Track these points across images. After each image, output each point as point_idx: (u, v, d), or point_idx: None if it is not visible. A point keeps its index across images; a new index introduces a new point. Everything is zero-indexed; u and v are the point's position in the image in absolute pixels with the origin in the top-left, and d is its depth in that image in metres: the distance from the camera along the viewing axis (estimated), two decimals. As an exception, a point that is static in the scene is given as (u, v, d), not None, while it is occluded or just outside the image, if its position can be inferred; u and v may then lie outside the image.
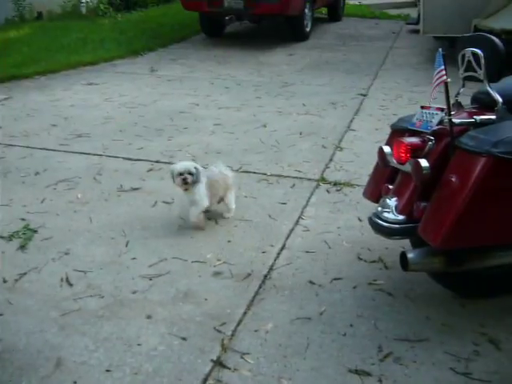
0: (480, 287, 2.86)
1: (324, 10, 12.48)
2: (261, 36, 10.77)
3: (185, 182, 3.46)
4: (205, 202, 3.54)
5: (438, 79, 2.52)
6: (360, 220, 3.65)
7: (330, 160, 4.73)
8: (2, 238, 3.50)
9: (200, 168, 3.56)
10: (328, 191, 4.15)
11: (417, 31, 9.38)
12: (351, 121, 5.77)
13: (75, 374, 2.40)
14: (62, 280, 3.07)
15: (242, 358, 2.50)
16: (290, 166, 4.57)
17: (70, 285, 3.04)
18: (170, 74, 7.75)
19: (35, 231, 3.58)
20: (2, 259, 3.28)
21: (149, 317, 2.77)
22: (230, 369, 2.43)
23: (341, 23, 12.18)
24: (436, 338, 2.62)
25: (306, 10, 9.78)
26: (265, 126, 5.55)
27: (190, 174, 3.46)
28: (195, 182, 3.49)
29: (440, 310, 2.81)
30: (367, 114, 6.00)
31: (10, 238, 3.50)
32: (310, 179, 4.34)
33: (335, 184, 4.24)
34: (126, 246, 3.42)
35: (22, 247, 3.40)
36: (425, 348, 2.56)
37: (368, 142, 5.03)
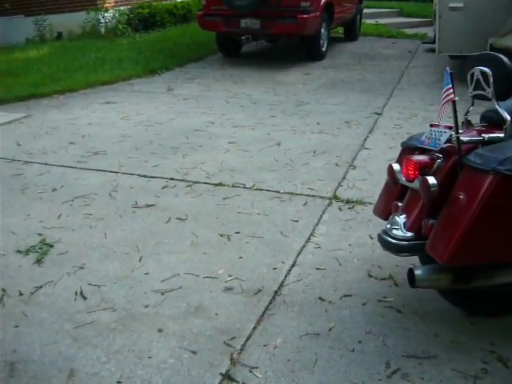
0: (488, 305, 2.86)
1: (340, 30, 12.56)
2: (277, 55, 10.88)
3: None
4: None
5: (445, 97, 2.56)
6: (371, 238, 3.67)
7: (343, 178, 4.76)
8: (19, 252, 3.57)
9: None
10: (340, 209, 4.18)
11: (433, 50, 9.42)
12: (365, 139, 5.80)
13: (87, 386, 2.45)
14: (76, 294, 3.13)
15: (250, 371, 2.53)
16: (303, 184, 4.61)
17: (84, 298, 3.09)
18: (186, 93, 7.86)
19: (51, 246, 3.65)
20: (19, 273, 3.35)
21: (160, 330, 2.81)
22: (238, 382, 2.46)
23: (357, 42, 12.24)
24: (444, 355, 2.63)
25: (322, 30, 9.84)
26: (279, 145, 5.60)
27: None
28: None
29: (449, 328, 2.82)
30: (381, 132, 6.04)
31: (27, 252, 3.57)
32: (322, 197, 4.37)
33: (347, 202, 4.27)
34: (140, 261, 3.47)
35: (38, 261, 3.47)
36: (433, 365, 2.57)
37: (382, 160, 5.05)
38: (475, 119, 2.91)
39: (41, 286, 3.20)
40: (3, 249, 3.61)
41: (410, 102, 7.30)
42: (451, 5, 8.06)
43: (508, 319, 2.89)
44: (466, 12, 8.01)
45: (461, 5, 8.01)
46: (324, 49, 10.22)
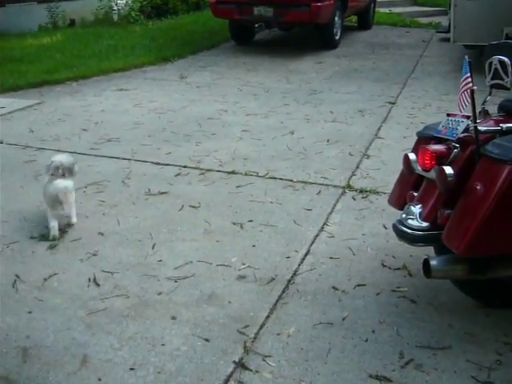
0: (503, 296, 2.84)
1: (354, 19, 12.46)
2: (290, 44, 10.81)
3: None
4: None
5: (464, 87, 2.53)
6: (385, 227, 3.65)
7: (357, 167, 4.73)
8: (33, 238, 3.59)
9: None
10: (354, 198, 4.15)
11: (447, 40, 9.31)
12: (379, 129, 5.76)
13: (100, 372, 2.46)
14: (89, 280, 3.14)
15: (263, 360, 2.53)
16: (317, 173, 4.59)
17: (98, 285, 3.10)
18: (199, 81, 7.83)
19: (65, 232, 3.66)
20: (32, 259, 3.36)
21: (173, 318, 2.81)
22: (251, 371, 2.47)
23: (371, 31, 12.14)
24: (458, 346, 2.62)
25: (336, 18, 9.78)
26: (292, 133, 5.58)
27: None
28: None
29: (463, 319, 2.81)
30: (395, 122, 5.99)
31: (41, 238, 3.58)
32: (336, 186, 4.35)
33: (361, 191, 4.25)
34: (153, 248, 3.47)
35: (52, 248, 3.48)
36: (447, 356, 2.56)
37: (395, 149, 5.01)
38: (493, 109, 2.88)
39: (54, 273, 3.20)
40: (17, 235, 3.62)
41: (424, 92, 7.24)
42: (467, -6, 7.96)
43: (523, 311, 2.87)
44: (481, 1, 7.91)
45: (477, -6, 7.91)
46: (337, 37, 10.15)
